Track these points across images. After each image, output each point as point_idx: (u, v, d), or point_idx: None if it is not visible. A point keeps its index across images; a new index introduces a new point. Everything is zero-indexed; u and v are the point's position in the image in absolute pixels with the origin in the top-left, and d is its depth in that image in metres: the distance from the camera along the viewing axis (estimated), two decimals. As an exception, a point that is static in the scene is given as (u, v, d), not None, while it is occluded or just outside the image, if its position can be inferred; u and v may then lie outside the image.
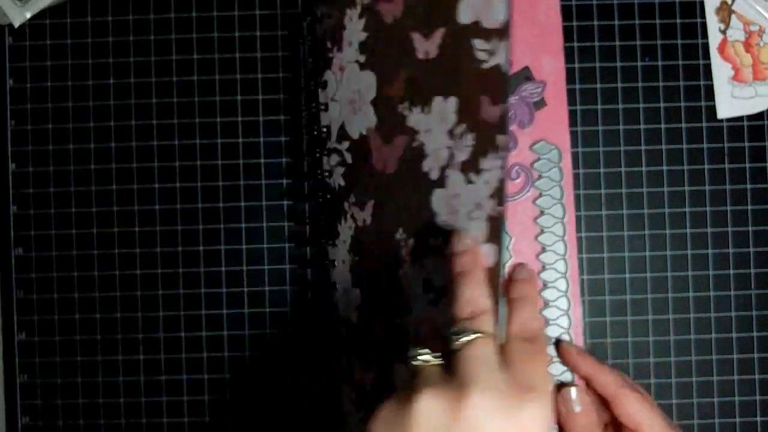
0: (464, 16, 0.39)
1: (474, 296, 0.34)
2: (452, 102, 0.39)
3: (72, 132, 0.49)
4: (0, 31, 0.49)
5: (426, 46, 0.40)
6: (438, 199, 0.39)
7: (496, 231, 0.37)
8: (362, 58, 0.42)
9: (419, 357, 0.32)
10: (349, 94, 0.43)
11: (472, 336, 0.32)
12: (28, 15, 0.48)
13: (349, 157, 0.44)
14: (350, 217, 0.44)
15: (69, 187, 0.48)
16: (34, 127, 0.49)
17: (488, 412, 0.29)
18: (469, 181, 0.38)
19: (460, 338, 0.32)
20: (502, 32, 0.37)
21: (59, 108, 0.49)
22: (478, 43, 0.38)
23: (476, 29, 0.38)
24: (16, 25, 0.48)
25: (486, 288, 0.35)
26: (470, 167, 0.38)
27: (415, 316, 0.40)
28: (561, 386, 0.41)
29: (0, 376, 0.49)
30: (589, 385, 0.41)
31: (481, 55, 0.38)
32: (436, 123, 0.39)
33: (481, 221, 0.37)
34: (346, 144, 0.44)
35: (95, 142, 0.48)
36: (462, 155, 0.38)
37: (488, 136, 0.37)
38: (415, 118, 0.40)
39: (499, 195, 0.37)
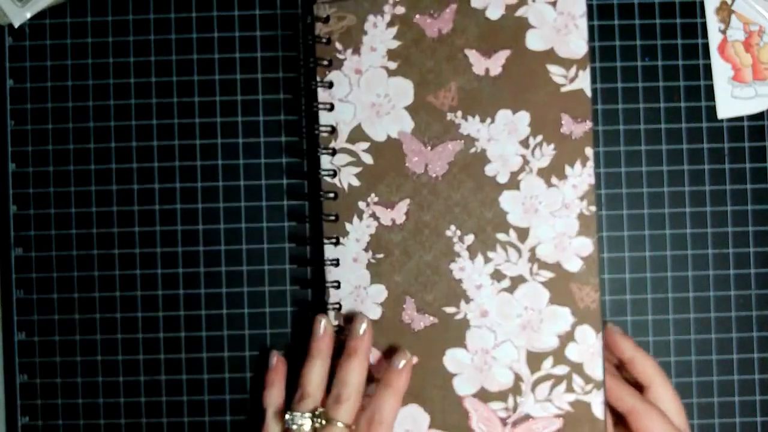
0: (534, 43, 0.43)
1: (345, 378, 0.41)
2: (523, 116, 0.43)
3: (72, 132, 0.49)
4: (0, 31, 0.49)
5: (486, 64, 0.43)
6: (508, 200, 0.43)
7: (589, 227, 0.43)
8: (392, 65, 0.44)
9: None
10: (372, 98, 0.44)
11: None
12: (28, 15, 0.48)
13: (368, 158, 0.44)
14: (369, 217, 0.44)
15: (69, 187, 0.48)
16: (34, 127, 0.49)
17: None
18: (551, 185, 0.43)
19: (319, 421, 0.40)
20: (582, 62, 0.43)
21: (59, 108, 0.49)
22: (555, 69, 0.43)
23: (550, 57, 0.43)
24: (16, 25, 0.48)
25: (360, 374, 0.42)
26: (552, 173, 0.43)
27: (479, 303, 0.43)
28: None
29: (0, 376, 0.49)
30: (625, 367, 0.44)
31: (558, 80, 0.43)
32: (502, 133, 0.43)
33: (570, 219, 0.43)
34: (363, 145, 0.44)
35: (95, 142, 0.48)
36: (540, 163, 0.43)
37: (574, 148, 0.43)
38: (471, 126, 0.43)
39: (589, 197, 0.42)
